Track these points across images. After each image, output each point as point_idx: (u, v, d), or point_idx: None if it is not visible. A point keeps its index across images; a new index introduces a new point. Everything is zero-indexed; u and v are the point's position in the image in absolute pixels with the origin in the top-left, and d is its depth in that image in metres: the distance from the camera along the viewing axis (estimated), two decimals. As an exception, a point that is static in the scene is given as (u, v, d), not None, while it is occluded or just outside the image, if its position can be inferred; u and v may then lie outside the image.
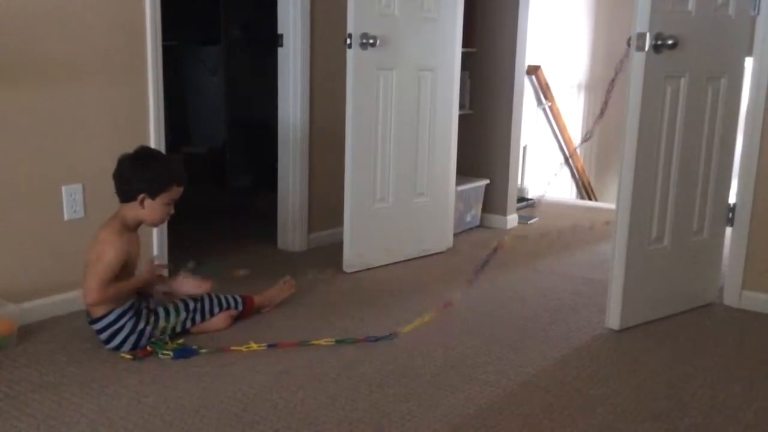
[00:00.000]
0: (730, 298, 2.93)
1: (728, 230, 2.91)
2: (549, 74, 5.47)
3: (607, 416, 1.98)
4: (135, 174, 2.29)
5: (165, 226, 2.90)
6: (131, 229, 2.35)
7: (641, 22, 2.40)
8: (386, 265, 3.37)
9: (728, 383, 2.22)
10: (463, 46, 3.62)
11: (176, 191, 2.34)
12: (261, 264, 3.31)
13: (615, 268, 2.60)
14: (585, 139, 5.99)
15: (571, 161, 5.97)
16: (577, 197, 6.12)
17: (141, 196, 2.29)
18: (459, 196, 3.89)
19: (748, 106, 2.79)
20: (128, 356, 2.26)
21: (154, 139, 2.80)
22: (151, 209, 2.32)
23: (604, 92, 6.13)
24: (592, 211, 4.96)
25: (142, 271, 2.37)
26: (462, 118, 3.78)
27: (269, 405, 1.98)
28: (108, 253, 2.24)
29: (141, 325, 2.30)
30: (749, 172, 2.81)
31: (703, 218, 2.79)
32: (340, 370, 2.21)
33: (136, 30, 2.70)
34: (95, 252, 2.26)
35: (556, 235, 4.09)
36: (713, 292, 2.94)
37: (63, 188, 2.58)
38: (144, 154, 2.36)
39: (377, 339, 2.45)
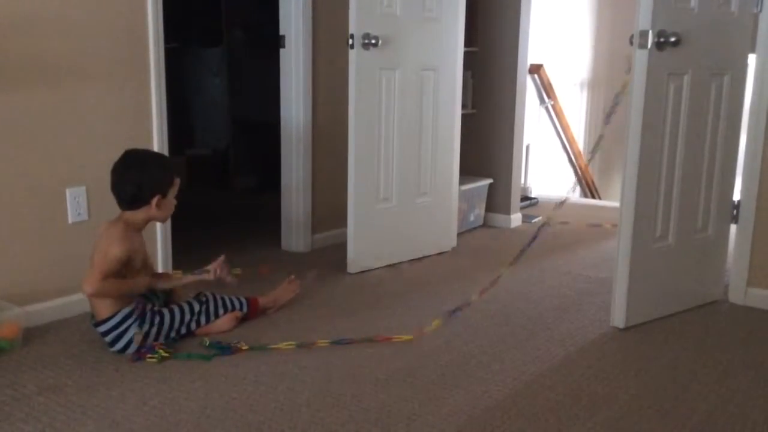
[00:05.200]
0: (735, 296, 2.92)
1: (733, 227, 2.90)
2: (552, 73, 5.46)
3: (613, 415, 1.98)
4: (142, 179, 2.28)
5: (169, 230, 2.90)
6: (138, 230, 2.35)
7: (644, 20, 2.40)
8: (390, 265, 3.37)
9: (734, 381, 2.21)
10: (466, 45, 3.62)
11: (177, 182, 2.38)
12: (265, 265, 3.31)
13: (620, 266, 2.59)
14: (595, 146, 5.96)
15: (574, 160, 5.96)
16: (580, 196, 6.11)
17: (156, 198, 2.29)
18: (462, 195, 3.88)
19: (752, 102, 2.78)
20: (153, 360, 2.24)
21: (157, 141, 2.80)
22: (164, 207, 2.34)
23: (605, 90, 6.13)
24: (596, 210, 4.95)
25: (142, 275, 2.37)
26: (465, 118, 3.78)
27: (275, 406, 1.98)
28: (113, 249, 2.24)
29: (145, 327, 2.31)
30: (753, 168, 2.81)
31: (708, 215, 2.79)
32: (346, 371, 2.21)
33: (139, 33, 2.71)
34: (101, 248, 2.26)
35: (560, 233, 4.08)
36: (718, 289, 2.94)
37: (67, 191, 2.58)
38: (137, 157, 2.34)
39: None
